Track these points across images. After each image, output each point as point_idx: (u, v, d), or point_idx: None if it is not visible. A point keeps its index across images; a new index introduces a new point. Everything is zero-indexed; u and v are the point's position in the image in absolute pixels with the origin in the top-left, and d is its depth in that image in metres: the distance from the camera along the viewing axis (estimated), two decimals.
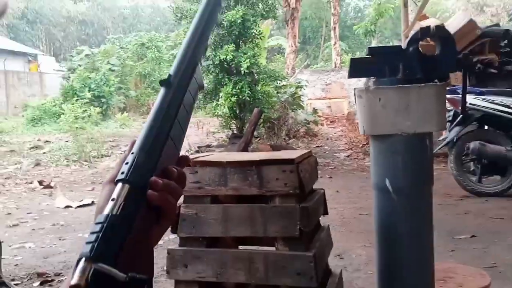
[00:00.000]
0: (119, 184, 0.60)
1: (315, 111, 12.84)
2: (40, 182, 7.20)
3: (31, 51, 27.09)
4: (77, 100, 14.87)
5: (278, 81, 9.90)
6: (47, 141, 11.45)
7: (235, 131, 9.45)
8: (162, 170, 0.65)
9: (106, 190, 0.63)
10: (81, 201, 5.79)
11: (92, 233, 0.55)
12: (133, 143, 0.65)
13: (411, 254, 1.52)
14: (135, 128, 14.54)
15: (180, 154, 0.71)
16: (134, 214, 0.60)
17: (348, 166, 8.16)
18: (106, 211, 0.57)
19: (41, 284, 3.12)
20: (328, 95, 16.85)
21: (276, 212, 1.45)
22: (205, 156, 1.62)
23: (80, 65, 18.97)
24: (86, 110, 13.75)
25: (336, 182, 6.68)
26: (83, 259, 0.53)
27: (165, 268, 1.54)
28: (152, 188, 0.62)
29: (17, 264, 3.57)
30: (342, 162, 8.44)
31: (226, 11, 8.62)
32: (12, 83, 21.44)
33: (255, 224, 1.46)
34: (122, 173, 0.60)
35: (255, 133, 8.78)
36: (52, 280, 3.20)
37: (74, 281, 0.52)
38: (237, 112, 9.18)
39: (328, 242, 1.76)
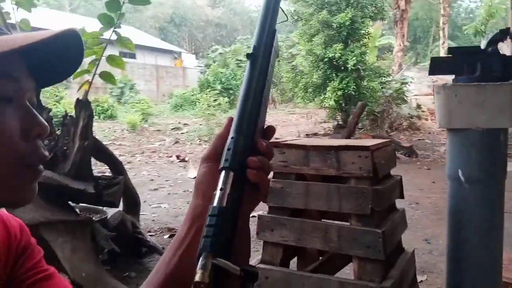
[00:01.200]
0: (224, 172, 0.54)
1: (418, 106, 12.12)
2: (178, 157, 7.80)
3: (177, 49, 29.04)
4: (210, 91, 15.70)
5: (383, 78, 9.51)
6: (185, 124, 12.31)
7: (340, 122, 9.31)
8: (253, 145, 0.58)
9: (202, 168, 0.59)
10: None
11: (209, 226, 0.51)
12: (230, 120, 0.59)
13: (478, 237, 1.45)
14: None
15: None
16: (239, 200, 0.55)
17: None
18: (216, 202, 0.52)
19: (169, 236, 3.44)
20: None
21: (351, 191, 1.46)
22: (292, 140, 1.68)
23: (214, 62, 19.97)
24: (216, 99, 14.46)
25: (433, 173, 6.31)
26: (203, 254, 0.49)
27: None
28: (250, 167, 0.55)
29: (153, 220, 3.97)
30: (441, 155, 7.91)
31: (336, 14, 8.47)
32: (161, 76, 23.29)
33: (331, 201, 1.49)
34: (226, 160, 0.54)
35: (359, 124, 8.58)
36: None
37: (197, 278, 0.48)
38: (343, 104, 9.03)
39: (401, 223, 1.72)
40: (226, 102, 15.05)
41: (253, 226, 1.94)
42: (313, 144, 1.56)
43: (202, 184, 0.58)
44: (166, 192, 5.23)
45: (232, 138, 0.56)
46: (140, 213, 4.11)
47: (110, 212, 2.88)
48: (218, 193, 0.52)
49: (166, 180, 5.91)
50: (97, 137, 8.86)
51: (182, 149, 8.83)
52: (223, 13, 38.75)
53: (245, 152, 0.56)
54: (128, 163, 7.17)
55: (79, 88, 2.70)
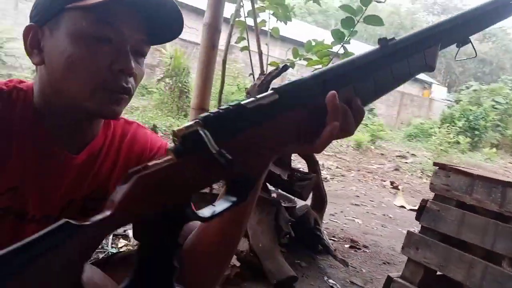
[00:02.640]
0: (270, 91, 0.61)
1: None
2: (392, 183, 7.72)
3: (428, 80, 28.01)
4: (451, 126, 14.69)
5: None
6: (413, 154, 11.92)
7: None
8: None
9: None
10: (414, 206, 5.96)
11: (222, 108, 0.58)
12: None
13: None
14: (499, 165, 13.26)
15: None
16: (268, 118, 0.60)
17: None
18: (247, 100, 0.59)
19: (350, 247, 3.58)
20: None
21: (510, 232, 1.36)
22: (458, 166, 1.62)
23: (465, 98, 18.51)
24: (455, 137, 13.45)
25: None
26: (196, 121, 0.56)
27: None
28: (328, 99, 0.62)
29: (342, 229, 4.16)
30: None
31: None
32: (405, 103, 22.88)
33: (486, 236, 1.41)
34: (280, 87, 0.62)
35: None
36: (359, 249, 3.61)
37: (177, 128, 0.55)
38: None
39: None
40: (467, 143, 13.82)
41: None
42: (481, 174, 1.50)
43: None
44: (366, 210, 5.33)
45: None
46: (333, 220, 4.38)
47: (299, 204, 3.22)
48: (249, 98, 0.60)
49: (370, 200, 5.99)
50: None
51: (399, 177, 8.65)
52: (490, 49, 35.24)
53: (313, 91, 0.63)
54: (341, 175, 7.53)
55: None
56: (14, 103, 0.79)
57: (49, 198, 0.82)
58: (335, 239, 3.74)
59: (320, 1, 3.78)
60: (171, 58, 9.24)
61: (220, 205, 0.62)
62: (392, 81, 0.69)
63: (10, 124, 0.77)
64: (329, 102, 0.62)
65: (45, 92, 0.79)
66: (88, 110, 0.75)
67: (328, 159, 9.05)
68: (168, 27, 0.81)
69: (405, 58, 0.68)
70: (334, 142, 10.79)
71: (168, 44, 11.20)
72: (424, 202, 1.60)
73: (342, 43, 3.14)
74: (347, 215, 4.81)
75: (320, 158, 8.90)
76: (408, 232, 1.66)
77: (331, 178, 7.11)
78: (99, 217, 0.55)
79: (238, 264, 2.43)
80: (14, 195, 0.78)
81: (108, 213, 0.55)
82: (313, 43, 3.16)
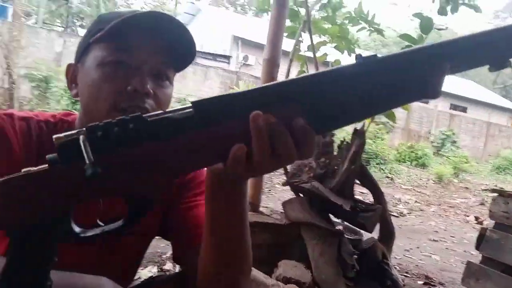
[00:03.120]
0: (188, 105, 0.56)
1: None
2: (476, 218, 7.19)
3: None
4: None
5: None
6: (501, 187, 11.02)
7: None
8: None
9: None
10: None
11: (115, 119, 0.54)
12: None
13: None
14: None
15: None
16: (174, 134, 0.54)
17: None
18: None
19: (424, 283, 3.38)
20: None
21: None
22: None
23: None
24: None
25: None
26: (81, 129, 0.53)
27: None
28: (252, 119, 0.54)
29: (417, 265, 3.94)
30: None
31: None
32: (492, 134, 21.36)
33: None
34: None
35: None
36: (434, 286, 3.39)
37: (56, 136, 0.54)
38: None
39: None
40: None
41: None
42: None
43: None
44: (445, 246, 5.01)
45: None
46: (407, 256, 4.18)
47: (366, 236, 3.14)
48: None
49: (451, 236, 5.63)
50: (399, 180, 9.12)
51: (485, 212, 8.01)
52: None
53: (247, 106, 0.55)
54: (420, 210, 7.16)
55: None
56: (57, 133, 0.89)
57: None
58: (408, 275, 3.56)
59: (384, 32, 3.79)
60: None
61: (108, 226, 0.59)
62: (360, 106, 0.57)
63: (53, 151, 0.88)
64: (251, 122, 0.54)
65: (82, 121, 0.87)
66: None
67: (406, 193, 8.67)
68: (186, 51, 0.86)
69: (386, 78, 0.55)
70: (413, 175, 10.38)
71: (241, 82, 11.65)
72: (483, 231, 1.51)
73: None
74: (423, 251, 4.56)
75: (397, 192, 8.57)
76: (468, 262, 1.57)
77: (408, 213, 6.79)
78: None
79: None
80: None
81: None
82: None
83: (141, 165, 0.53)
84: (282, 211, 2.92)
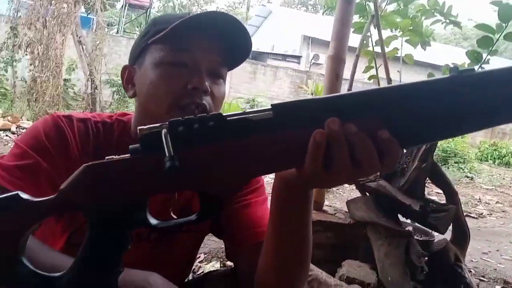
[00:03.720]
0: (268, 107, 0.56)
1: None
2: None
3: None
4: None
5: None
6: None
7: None
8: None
9: None
10: None
11: (198, 115, 0.55)
12: None
13: None
14: None
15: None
16: (252, 135, 0.53)
17: None
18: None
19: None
20: None
21: None
22: None
23: None
24: None
25: None
26: (164, 123, 0.54)
27: None
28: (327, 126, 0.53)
29: (495, 269, 3.69)
30: None
31: None
32: None
33: None
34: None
35: None
36: None
37: (141, 127, 0.54)
38: None
39: None
40: None
41: None
42: None
43: None
44: None
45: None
46: (485, 259, 3.93)
47: (438, 238, 3.00)
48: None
49: None
50: (480, 180, 8.55)
51: None
52: None
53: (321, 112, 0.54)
54: (502, 211, 6.68)
55: None
56: (113, 133, 0.92)
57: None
58: (485, 279, 3.34)
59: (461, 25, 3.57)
60: (312, 94, 9.53)
61: (180, 220, 0.60)
62: (451, 123, 0.53)
63: (109, 150, 0.88)
64: (326, 127, 0.54)
65: (139, 120, 0.89)
66: None
67: (487, 193, 8.12)
68: (241, 48, 0.87)
69: (487, 95, 0.50)
70: (496, 175, 9.68)
71: (310, 82, 11.57)
72: None
73: (480, 64, 2.91)
74: (503, 254, 4.26)
75: (477, 192, 8.06)
76: None
77: (488, 214, 6.35)
78: (42, 198, 0.57)
79: None
80: None
81: (52, 197, 0.56)
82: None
83: (218, 163, 0.54)
84: (347, 210, 2.87)
